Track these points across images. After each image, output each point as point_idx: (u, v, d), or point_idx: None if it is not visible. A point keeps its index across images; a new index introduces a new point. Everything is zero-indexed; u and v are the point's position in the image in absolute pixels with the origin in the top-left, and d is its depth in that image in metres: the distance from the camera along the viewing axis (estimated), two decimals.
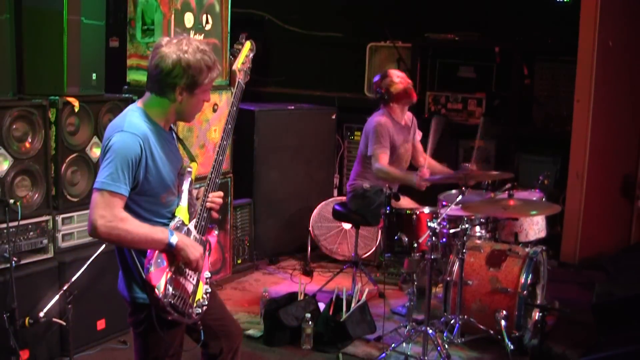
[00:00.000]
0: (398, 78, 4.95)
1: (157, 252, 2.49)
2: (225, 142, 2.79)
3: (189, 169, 2.73)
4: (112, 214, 2.41)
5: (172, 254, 2.53)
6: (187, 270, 2.59)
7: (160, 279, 2.47)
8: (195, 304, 2.63)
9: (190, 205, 2.72)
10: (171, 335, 2.65)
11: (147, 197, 2.57)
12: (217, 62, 2.65)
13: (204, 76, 2.59)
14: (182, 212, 2.66)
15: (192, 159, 2.80)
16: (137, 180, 2.51)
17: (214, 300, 2.83)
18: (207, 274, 2.74)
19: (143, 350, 2.69)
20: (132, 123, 2.53)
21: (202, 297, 2.68)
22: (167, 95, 2.59)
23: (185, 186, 2.70)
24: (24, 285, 3.59)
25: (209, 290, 2.73)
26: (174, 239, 2.51)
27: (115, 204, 2.43)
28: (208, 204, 2.75)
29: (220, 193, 2.80)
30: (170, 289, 2.48)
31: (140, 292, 2.60)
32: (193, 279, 2.63)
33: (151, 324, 2.57)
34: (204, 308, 2.68)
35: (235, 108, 2.85)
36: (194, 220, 2.69)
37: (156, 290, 2.45)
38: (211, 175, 2.75)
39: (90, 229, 2.43)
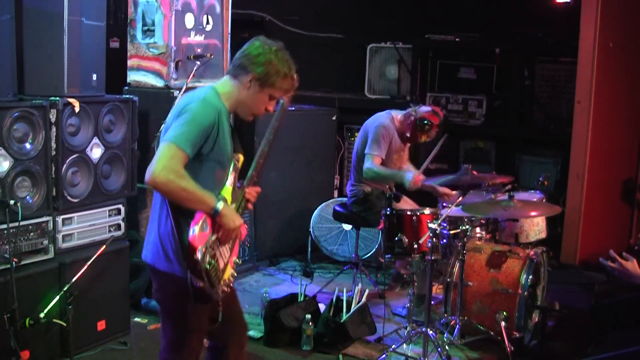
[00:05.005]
0: (427, 131, 4.90)
1: (203, 216, 2.56)
2: (266, 149, 2.92)
3: (236, 157, 2.82)
4: (174, 168, 2.50)
5: (216, 222, 2.61)
6: (222, 246, 2.68)
7: (202, 244, 2.54)
8: (222, 282, 2.69)
9: (234, 189, 2.80)
10: (200, 309, 2.71)
11: (205, 169, 2.65)
12: (295, 81, 2.80)
13: (277, 79, 2.71)
14: (227, 193, 2.75)
15: (239, 150, 2.86)
16: (202, 149, 2.60)
17: (230, 290, 2.88)
18: (235, 259, 2.83)
19: (173, 323, 2.77)
20: (211, 96, 2.68)
21: (229, 278, 2.76)
22: (239, 78, 2.71)
23: (231, 171, 2.79)
24: (24, 286, 3.59)
25: (235, 275, 2.81)
26: (220, 205, 2.60)
27: (180, 160, 2.52)
28: (247, 196, 2.86)
29: (258, 189, 2.92)
30: (208, 256, 2.56)
31: (177, 265, 2.65)
32: (225, 257, 2.72)
33: (182, 296, 2.62)
34: (228, 289, 2.75)
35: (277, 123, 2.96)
36: (234, 204, 2.78)
37: (198, 252, 2.51)
38: (251, 172, 2.86)
39: (149, 177, 2.50)
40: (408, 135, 4.96)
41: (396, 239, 4.26)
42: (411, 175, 4.67)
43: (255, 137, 5.70)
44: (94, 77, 4.08)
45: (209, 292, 2.63)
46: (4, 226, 3.52)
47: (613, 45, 5.70)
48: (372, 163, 4.81)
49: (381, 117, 5.00)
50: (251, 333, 4.43)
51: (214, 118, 2.61)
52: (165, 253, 2.69)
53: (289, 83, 2.77)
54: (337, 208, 5.33)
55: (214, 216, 2.60)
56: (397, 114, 5.04)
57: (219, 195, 2.70)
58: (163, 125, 2.74)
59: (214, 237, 2.62)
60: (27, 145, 3.73)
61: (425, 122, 4.86)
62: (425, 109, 4.96)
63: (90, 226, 4.10)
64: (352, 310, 4.40)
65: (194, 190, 2.55)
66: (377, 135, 4.86)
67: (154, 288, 2.81)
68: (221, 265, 2.68)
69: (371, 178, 4.90)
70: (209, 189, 2.65)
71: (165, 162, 2.49)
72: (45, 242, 3.84)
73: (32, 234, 3.76)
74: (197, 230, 2.53)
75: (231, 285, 2.81)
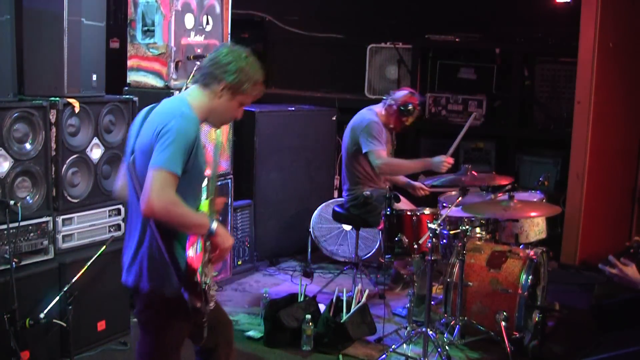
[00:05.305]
0: (412, 113, 4.96)
1: (198, 238, 2.58)
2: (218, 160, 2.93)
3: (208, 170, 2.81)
4: (169, 195, 2.48)
5: (209, 242, 2.63)
6: (213, 264, 2.70)
7: (199, 265, 2.56)
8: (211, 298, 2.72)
9: (210, 202, 2.81)
10: (184, 324, 2.70)
11: (187, 185, 2.61)
12: (263, 87, 2.76)
13: (249, 86, 2.69)
14: (205, 206, 2.75)
15: (209, 162, 2.86)
16: (186, 166, 2.57)
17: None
18: (213, 273, 2.82)
19: (155, 340, 2.73)
20: (188, 111, 2.62)
21: (214, 293, 2.76)
22: (211, 86, 2.67)
23: (206, 183, 2.79)
24: (24, 287, 3.58)
25: (216, 287, 2.82)
26: (215, 225, 2.60)
27: (173, 186, 2.49)
28: (216, 207, 2.86)
29: (224, 199, 2.94)
30: (204, 275, 2.58)
31: (161, 283, 2.62)
32: (210, 274, 2.72)
33: (167, 312, 2.63)
34: (212, 304, 2.75)
35: None
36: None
37: (198, 274, 2.53)
38: (213, 183, 2.85)
39: (145, 208, 2.46)
40: (392, 125, 5.01)
41: (396, 239, 4.26)
42: (440, 158, 4.71)
43: (255, 137, 5.71)
44: (94, 77, 4.08)
45: (204, 311, 2.65)
46: (4, 226, 3.52)
47: (613, 45, 5.70)
48: (382, 157, 4.82)
49: (367, 114, 5.03)
50: (251, 333, 4.43)
51: (194, 133, 2.57)
52: (149, 273, 2.64)
53: (259, 89, 2.75)
54: (337, 209, 5.32)
55: (209, 236, 2.61)
56: (378, 108, 5.08)
57: (199, 210, 2.71)
58: (134, 139, 2.65)
59: (206, 257, 2.64)
60: (27, 146, 3.73)
61: (409, 105, 4.94)
62: (401, 93, 5.03)
63: (90, 226, 4.10)
64: (352, 310, 4.40)
65: (190, 216, 2.56)
66: (372, 131, 4.87)
67: (137, 310, 2.74)
68: (209, 282, 2.70)
69: (389, 172, 4.90)
70: (190, 203, 2.62)
71: (160, 192, 2.45)
72: (45, 242, 3.84)
73: (32, 234, 3.76)
74: (192, 252, 2.54)
75: (215, 299, 2.79)
